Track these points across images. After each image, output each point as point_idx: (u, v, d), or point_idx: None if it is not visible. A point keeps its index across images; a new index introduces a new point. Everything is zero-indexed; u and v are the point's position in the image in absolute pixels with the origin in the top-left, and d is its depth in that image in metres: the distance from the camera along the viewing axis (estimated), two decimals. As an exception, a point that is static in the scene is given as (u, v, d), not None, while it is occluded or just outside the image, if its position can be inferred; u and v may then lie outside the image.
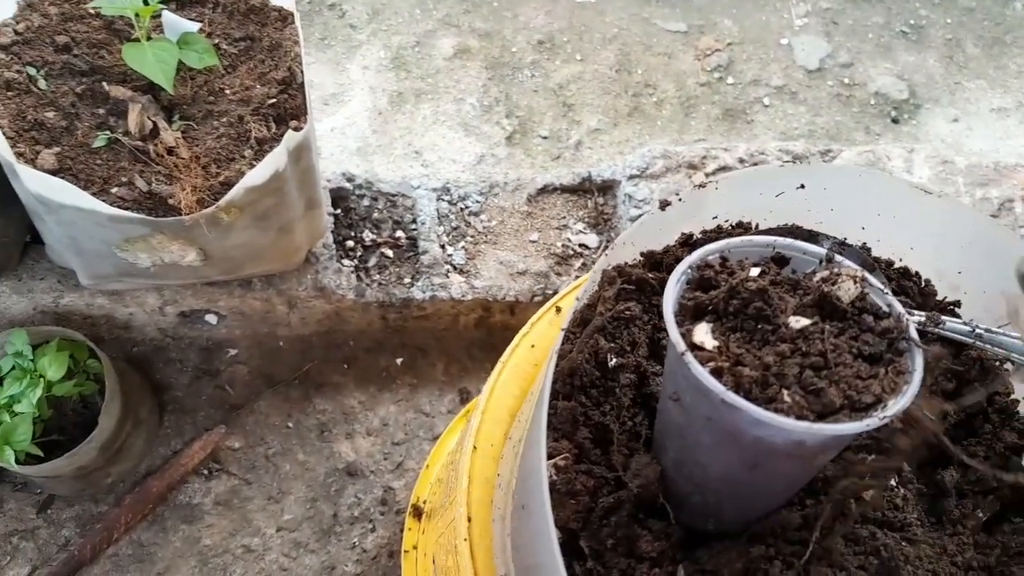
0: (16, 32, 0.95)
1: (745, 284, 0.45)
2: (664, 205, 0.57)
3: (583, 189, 1.60)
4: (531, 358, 0.81)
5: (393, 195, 1.54)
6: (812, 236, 0.65)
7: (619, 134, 1.76)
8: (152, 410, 1.36)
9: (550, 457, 0.54)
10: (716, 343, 0.45)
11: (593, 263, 0.60)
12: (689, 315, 0.47)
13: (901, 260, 0.62)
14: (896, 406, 0.42)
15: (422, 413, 1.51)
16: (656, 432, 0.56)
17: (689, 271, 0.49)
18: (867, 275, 0.46)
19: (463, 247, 1.53)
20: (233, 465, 1.40)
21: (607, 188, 1.59)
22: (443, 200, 1.57)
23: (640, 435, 0.58)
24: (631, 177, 1.53)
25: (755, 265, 0.48)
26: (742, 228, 0.66)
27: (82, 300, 1.26)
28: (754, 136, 1.82)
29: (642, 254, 0.64)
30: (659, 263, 0.63)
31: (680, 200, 0.58)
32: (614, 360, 0.58)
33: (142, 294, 1.28)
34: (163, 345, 1.45)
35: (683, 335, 0.44)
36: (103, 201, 0.89)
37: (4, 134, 0.88)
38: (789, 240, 0.49)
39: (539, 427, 0.50)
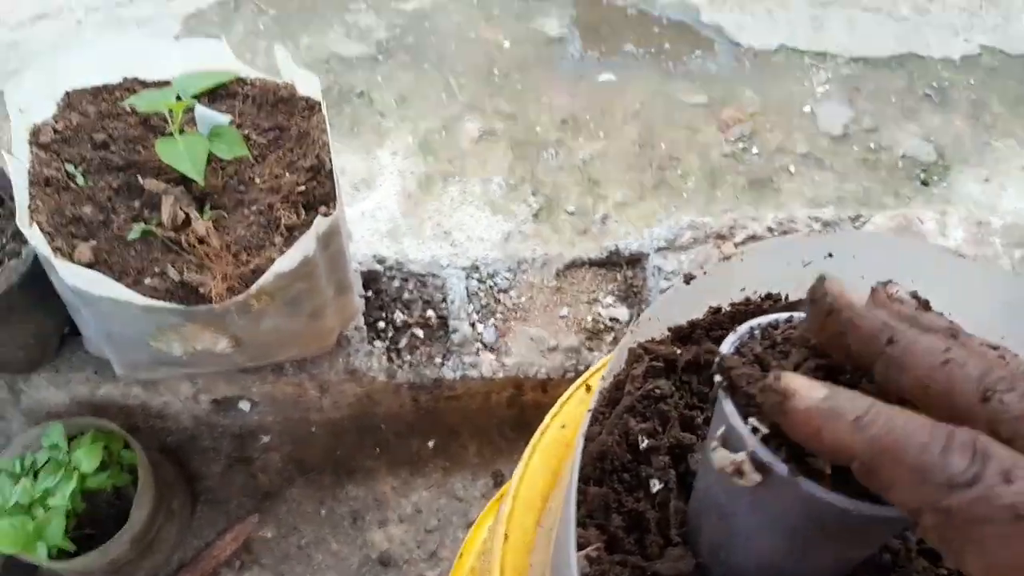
0: (55, 131, 0.99)
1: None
2: (688, 279, 0.55)
3: (611, 263, 1.60)
4: (562, 439, 0.79)
5: (423, 275, 1.55)
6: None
7: (645, 207, 1.76)
8: (185, 501, 1.35)
9: (581, 548, 0.52)
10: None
11: (624, 336, 0.58)
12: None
13: (941, 328, 0.60)
14: None
15: (455, 498, 1.48)
16: (690, 512, 0.54)
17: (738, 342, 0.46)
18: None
19: (493, 324, 1.52)
20: (266, 556, 1.38)
21: (635, 261, 1.58)
22: (472, 278, 1.57)
23: (677, 521, 0.55)
24: (659, 249, 1.53)
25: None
26: (771, 299, 0.65)
27: (118, 390, 1.27)
28: (782, 204, 1.81)
29: (669, 329, 0.62)
30: (687, 337, 0.62)
31: (705, 273, 0.57)
32: (645, 442, 0.56)
33: (176, 383, 1.29)
34: (197, 434, 1.45)
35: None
36: (137, 292, 0.90)
37: (42, 229, 0.90)
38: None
39: (568, 520, 0.48)
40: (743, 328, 0.47)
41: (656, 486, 0.56)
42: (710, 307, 0.65)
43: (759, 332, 0.47)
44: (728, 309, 0.66)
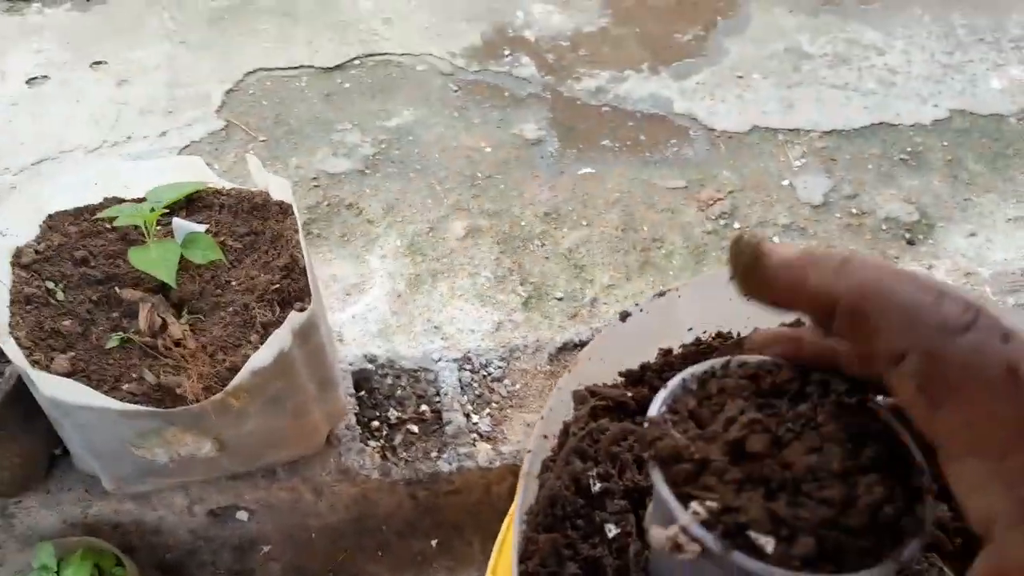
0: (37, 252, 1.03)
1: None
2: (624, 316, 0.56)
3: (602, 344, 1.60)
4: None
5: (415, 371, 1.56)
6: None
7: (632, 287, 1.78)
8: (181, 619, 1.31)
9: (534, 597, 0.50)
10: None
11: (561, 377, 0.58)
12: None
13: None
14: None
15: (462, 597, 1.43)
16: (652, 571, 0.52)
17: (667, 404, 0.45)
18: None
19: (488, 414, 1.51)
20: (267, 673, 1.32)
21: (626, 340, 1.58)
22: (465, 370, 1.58)
23: (639, 566, 0.54)
24: (647, 325, 1.53)
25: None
26: (721, 337, 0.65)
27: (110, 507, 1.26)
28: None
29: (620, 374, 0.62)
30: (639, 380, 0.62)
31: (641, 311, 0.58)
32: (598, 485, 0.55)
33: (168, 495, 1.27)
34: (195, 548, 1.42)
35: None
36: (114, 398, 0.92)
37: (21, 344, 0.93)
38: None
39: (513, 565, 0.47)
40: (674, 382, 0.46)
41: (613, 531, 0.55)
42: (660, 349, 0.65)
43: (694, 384, 0.46)
44: (679, 351, 0.66)
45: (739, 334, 0.67)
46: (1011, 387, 0.25)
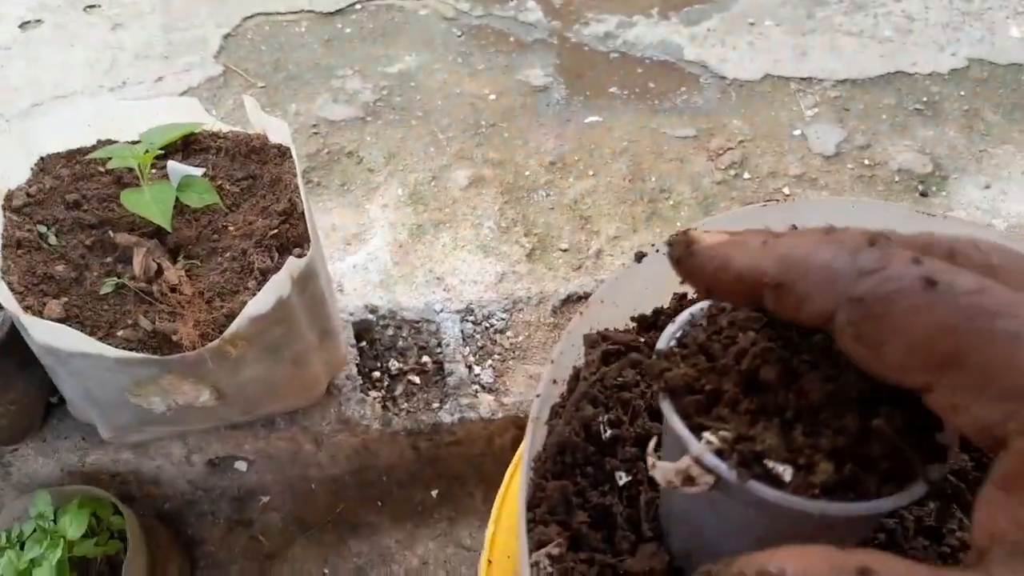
0: (28, 195, 0.99)
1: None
2: (640, 257, 0.53)
3: (608, 295, 1.57)
4: (545, 456, 0.75)
5: (417, 322, 1.53)
6: None
7: (639, 239, 1.74)
8: (182, 567, 1.31)
9: (541, 545, 0.48)
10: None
11: (572, 320, 0.55)
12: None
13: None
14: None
15: (463, 548, 1.42)
16: (661, 511, 0.50)
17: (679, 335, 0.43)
18: None
19: (491, 366, 1.49)
20: (270, 621, 1.33)
21: (632, 291, 1.55)
22: (467, 321, 1.55)
23: (649, 515, 0.51)
24: (654, 277, 1.50)
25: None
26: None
27: (108, 457, 1.25)
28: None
29: (633, 319, 0.59)
30: (652, 325, 0.59)
31: (657, 251, 0.54)
32: (609, 432, 0.53)
33: (166, 444, 1.26)
34: (194, 498, 1.42)
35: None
36: (109, 344, 0.89)
37: (13, 289, 0.90)
38: None
39: (520, 513, 0.45)
40: (683, 316, 0.43)
41: (623, 478, 0.53)
42: (675, 294, 0.62)
43: (703, 319, 0.43)
44: (693, 296, 0.63)
45: (757, 278, 0.64)
46: (932, 296, 0.26)
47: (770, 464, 0.33)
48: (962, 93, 2.17)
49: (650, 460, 0.38)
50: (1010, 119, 2.09)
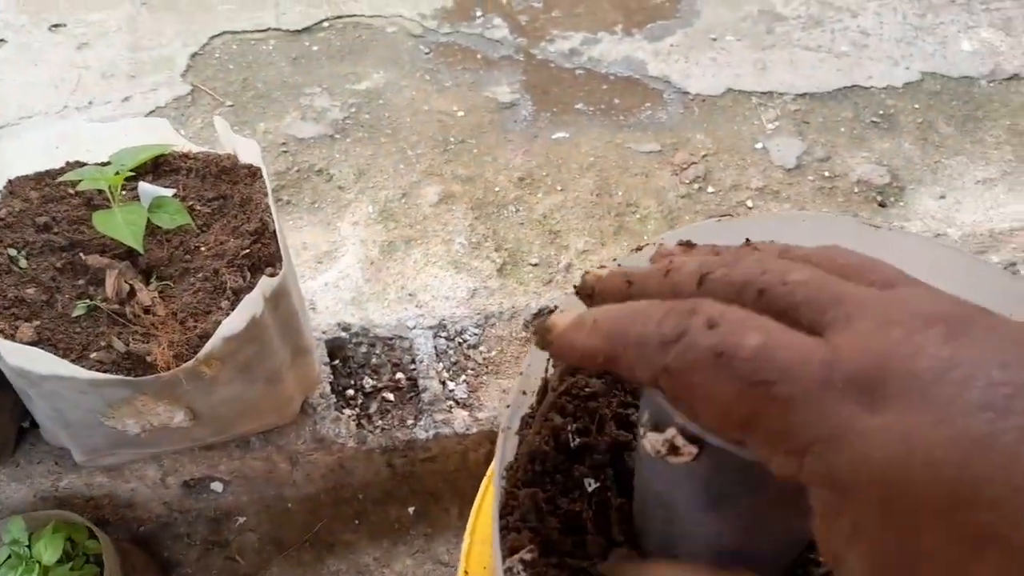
0: (-3, 219, 1.00)
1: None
2: (582, 279, 0.55)
3: (578, 308, 1.59)
4: (518, 467, 0.77)
5: (390, 339, 1.55)
6: None
7: (607, 252, 1.78)
8: (157, 590, 1.30)
9: (514, 552, 0.50)
10: None
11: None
12: None
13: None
14: None
15: (440, 563, 1.43)
16: (635, 512, 0.52)
17: None
18: None
19: (464, 381, 1.51)
20: (247, 641, 1.32)
21: (602, 304, 1.58)
22: (440, 337, 1.57)
23: (619, 519, 0.53)
24: (623, 289, 1.53)
25: None
26: (700, 294, 0.65)
27: (81, 480, 1.24)
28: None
29: (599, 332, 0.61)
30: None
31: (618, 265, 0.57)
32: (577, 440, 0.55)
33: (140, 466, 1.26)
34: (170, 521, 1.41)
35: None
36: (82, 367, 0.89)
37: (-17, 313, 0.90)
38: None
39: (493, 520, 0.47)
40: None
41: (592, 485, 0.55)
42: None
43: None
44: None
45: (717, 290, 0.67)
46: (720, 366, 0.27)
47: None
48: (916, 106, 2.25)
49: (641, 431, 0.40)
50: (962, 131, 2.16)
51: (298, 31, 2.32)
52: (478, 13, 2.43)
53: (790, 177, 2.01)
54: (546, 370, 0.58)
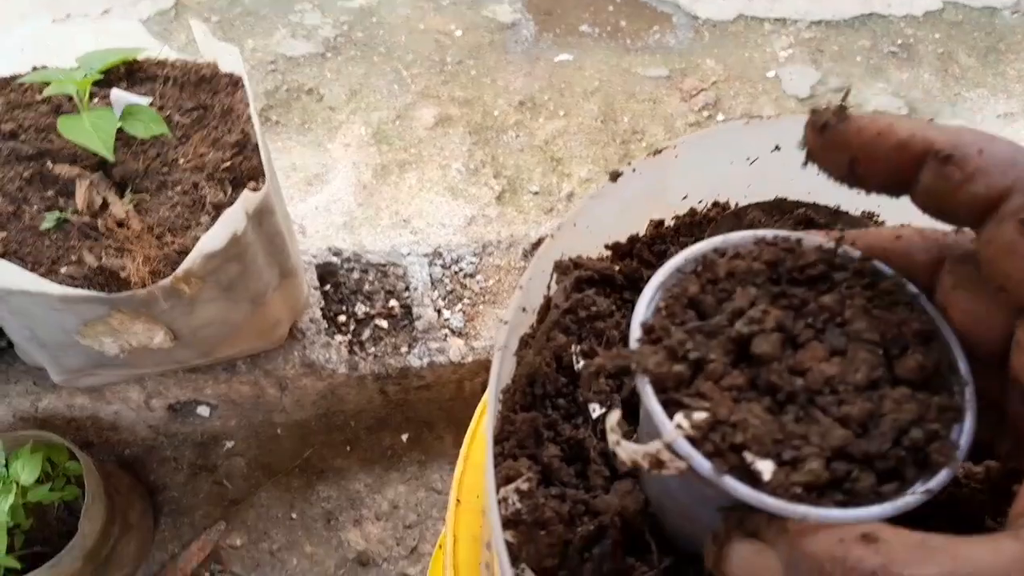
0: (-41, 122, 0.93)
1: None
2: (615, 176, 0.49)
3: (578, 237, 1.54)
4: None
5: (383, 265, 1.49)
6: (835, 214, 0.57)
7: (611, 180, 1.71)
8: (144, 513, 1.28)
9: (509, 481, 0.45)
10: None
11: (543, 244, 0.52)
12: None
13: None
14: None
15: (434, 491, 1.41)
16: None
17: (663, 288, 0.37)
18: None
19: (460, 310, 1.46)
20: (236, 564, 1.30)
21: (603, 233, 1.53)
22: (435, 265, 1.51)
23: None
24: (626, 218, 1.47)
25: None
26: (719, 208, 0.59)
27: (61, 401, 1.20)
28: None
29: (607, 247, 0.56)
30: (627, 253, 0.56)
31: (634, 170, 0.51)
32: (581, 363, 0.50)
33: (123, 388, 1.22)
34: (156, 444, 1.38)
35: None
36: (52, 281, 0.84)
37: (-56, 222, 0.84)
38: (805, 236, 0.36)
39: (488, 446, 0.42)
40: (676, 260, 0.38)
41: (597, 411, 0.50)
42: (651, 220, 0.59)
43: (697, 264, 0.38)
44: (671, 223, 0.60)
45: (737, 204, 0.61)
46: None
47: (748, 458, 0.29)
48: (937, 36, 2.15)
49: (612, 437, 0.35)
50: (984, 62, 2.07)
51: (289, -58, 2.19)
52: (480, -74, 2.30)
53: (803, 107, 1.93)
54: (548, 287, 0.52)
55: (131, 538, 1.22)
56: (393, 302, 1.47)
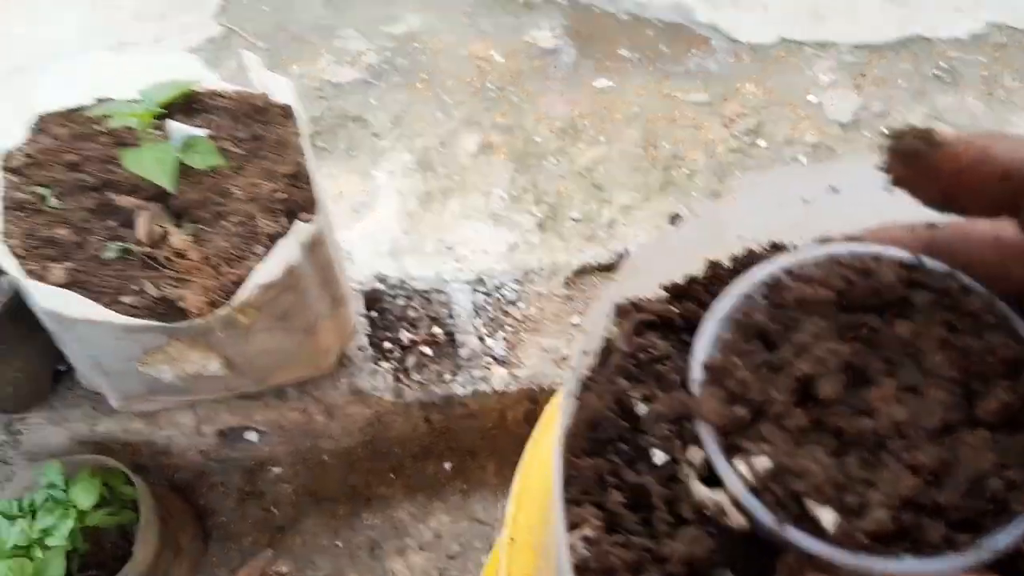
0: (27, 155, 0.96)
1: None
2: (674, 219, 0.50)
3: (621, 265, 1.54)
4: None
5: (427, 292, 1.51)
6: None
7: (653, 208, 1.71)
8: (195, 537, 1.30)
9: (574, 527, 0.45)
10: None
11: (605, 287, 0.52)
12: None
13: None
14: None
15: (476, 521, 1.41)
16: None
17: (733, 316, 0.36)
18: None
19: (503, 337, 1.47)
20: (281, 592, 1.32)
21: (646, 260, 1.53)
22: (478, 292, 1.52)
23: (689, 495, 0.49)
24: (669, 245, 1.47)
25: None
26: (777, 249, 0.59)
27: (118, 425, 1.23)
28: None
29: (664, 287, 0.56)
30: (684, 294, 0.56)
31: (693, 214, 0.51)
32: (643, 407, 0.50)
33: (176, 414, 1.24)
34: (206, 469, 1.40)
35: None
36: (115, 311, 0.86)
37: (15, 253, 0.87)
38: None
39: (556, 490, 0.42)
40: (742, 285, 0.37)
41: (660, 457, 0.50)
42: (708, 260, 0.59)
43: (765, 290, 0.37)
44: (729, 264, 0.60)
45: (795, 247, 0.61)
46: None
47: (810, 506, 0.28)
48: (982, 59, 2.12)
49: (687, 469, 0.34)
50: (1032, 85, 2.04)
51: (334, -29, 2.24)
52: (520, -46, 2.33)
53: (846, 132, 1.92)
54: (607, 328, 0.53)
55: (182, 563, 1.24)
56: (437, 329, 1.48)
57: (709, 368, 0.35)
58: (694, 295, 0.57)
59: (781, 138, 1.89)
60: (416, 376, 1.40)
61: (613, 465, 0.49)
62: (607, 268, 1.56)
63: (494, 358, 1.45)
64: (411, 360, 1.43)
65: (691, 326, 0.55)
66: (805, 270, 0.37)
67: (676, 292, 0.57)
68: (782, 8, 2.23)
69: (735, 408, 0.32)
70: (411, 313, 1.49)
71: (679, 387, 0.52)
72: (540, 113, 1.90)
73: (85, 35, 2.02)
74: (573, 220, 1.70)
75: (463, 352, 1.41)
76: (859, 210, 0.56)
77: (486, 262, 1.61)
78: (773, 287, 0.37)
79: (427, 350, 1.46)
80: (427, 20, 2.11)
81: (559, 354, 1.44)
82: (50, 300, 0.85)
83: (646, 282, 0.56)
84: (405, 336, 1.46)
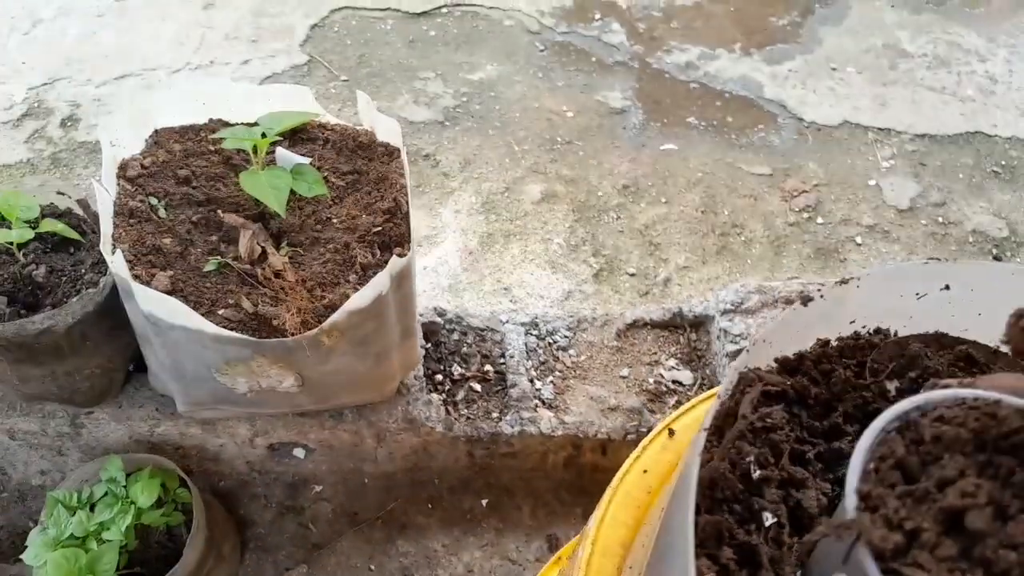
0: (143, 166, 1.01)
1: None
2: (806, 301, 0.53)
3: (674, 325, 1.56)
4: (643, 484, 0.75)
5: (482, 329, 1.54)
6: (994, 354, 0.58)
7: (708, 271, 1.74)
8: (235, 547, 1.31)
9: (693, 577, 0.47)
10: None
11: (739, 358, 0.55)
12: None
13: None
14: None
15: (508, 560, 1.42)
16: (812, 566, 0.49)
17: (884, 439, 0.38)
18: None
19: (552, 381, 1.49)
20: (312, 611, 1.33)
21: (699, 323, 1.55)
22: (531, 335, 1.55)
23: (793, 559, 0.51)
24: (725, 312, 1.49)
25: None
26: (881, 334, 0.61)
27: (176, 429, 1.26)
28: (849, 275, 1.77)
29: (776, 360, 0.59)
30: (795, 368, 0.59)
31: (822, 296, 0.54)
32: (758, 472, 0.52)
33: (234, 424, 1.27)
34: (249, 479, 1.42)
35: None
36: (210, 321, 0.90)
37: (124, 257, 0.91)
38: None
39: (684, 538, 0.45)
40: (880, 421, 0.40)
41: (769, 520, 0.52)
42: (818, 339, 0.62)
43: (902, 425, 0.40)
44: (835, 344, 0.63)
45: (896, 333, 0.63)
46: None
47: None
48: (1042, 160, 2.15)
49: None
50: (1091, 192, 2.06)
51: (417, 14, 2.33)
52: (597, 16, 2.41)
53: (902, 218, 1.94)
54: (731, 395, 0.55)
55: (221, 570, 1.26)
56: (488, 367, 1.50)
57: (863, 495, 0.38)
58: (805, 370, 0.60)
59: (839, 216, 1.92)
60: (464, 411, 1.43)
61: (726, 523, 0.52)
62: (660, 325, 1.58)
63: (542, 401, 1.47)
64: (460, 394, 1.45)
65: (801, 400, 0.58)
66: (938, 409, 0.40)
67: (787, 366, 0.60)
68: (848, 92, 2.28)
69: (892, 535, 0.35)
70: (464, 349, 1.52)
71: (787, 457, 0.55)
72: (604, 169, 1.94)
73: (178, 51, 2.11)
74: (629, 275, 1.73)
75: (514, 392, 1.44)
76: (964, 305, 0.58)
77: (541, 306, 1.64)
78: (908, 424, 0.40)
79: (476, 386, 1.48)
80: (504, 71, 2.18)
81: (606, 404, 1.46)
82: (152, 304, 0.89)
83: (760, 352, 0.59)
84: (456, 370, 1.49)
